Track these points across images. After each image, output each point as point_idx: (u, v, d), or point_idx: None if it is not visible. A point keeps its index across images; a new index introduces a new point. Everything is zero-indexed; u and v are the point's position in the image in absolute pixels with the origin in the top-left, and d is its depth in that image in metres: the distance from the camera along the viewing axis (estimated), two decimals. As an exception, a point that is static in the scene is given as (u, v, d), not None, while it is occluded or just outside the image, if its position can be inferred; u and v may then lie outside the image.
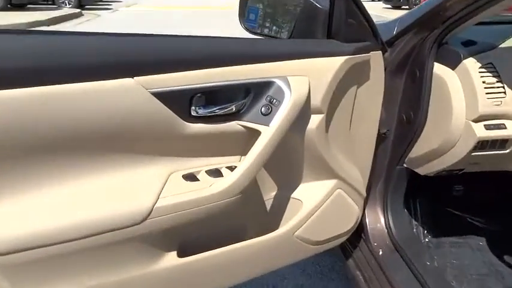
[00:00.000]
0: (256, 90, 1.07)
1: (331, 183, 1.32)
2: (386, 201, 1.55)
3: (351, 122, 1.32)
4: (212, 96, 1.02)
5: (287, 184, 1.30)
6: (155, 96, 0.93)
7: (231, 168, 1.10)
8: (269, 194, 1.30)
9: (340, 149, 1.31)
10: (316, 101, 1.14)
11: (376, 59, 1.27)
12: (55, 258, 0.90)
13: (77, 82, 0.85)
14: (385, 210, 1.57)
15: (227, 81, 1.02)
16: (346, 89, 1.24)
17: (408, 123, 1.41)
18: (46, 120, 0.83)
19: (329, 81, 1.14)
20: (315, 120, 1.17)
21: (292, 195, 1.30)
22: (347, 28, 1.21)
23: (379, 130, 1.43)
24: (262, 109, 1.06)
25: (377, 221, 1.58)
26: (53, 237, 0.87)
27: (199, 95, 1.00)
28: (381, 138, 1.46)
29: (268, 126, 1.05)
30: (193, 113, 1.01)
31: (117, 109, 0.90)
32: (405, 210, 1.63)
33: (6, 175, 0.85)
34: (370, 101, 1.33)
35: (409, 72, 1.37)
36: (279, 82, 1.07)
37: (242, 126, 1.08)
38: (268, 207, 1.30)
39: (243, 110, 1.07)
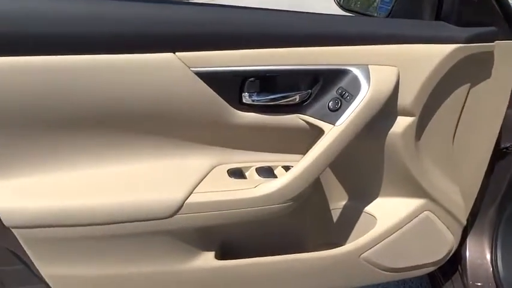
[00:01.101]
0: (325, 80, 0.87)
1: (417, 202, 1.06)
2: (496, 233, 1.22)
3: (456, 130, 1.03)
4: (269, 82, 0.85)
5: (359, 195, 1.08)
6: (199, 77, 0.80)
7: (287, 169, 0.93)
8: (335, 203, 1.09)
9: (437, 163, 1.04)
10: (406, 99, 0.89)
11: (504, 51, 0.95)
12: (81, 240, 0.85)
13: (105, 54, 0.76)
14: (493, 245, 1.23)
15: (290, 65, 0.84)
16: (453, 86, 0.95)
17: None
18: (79, 91, 0.77)
19: (428, 74, 0.87)
20: (402, 123, 0.92)
21: (365, 209, 1.08)
22: (464, 7, 0.91)
23: (498, 144, 1.10)
24: (330, 103, 0.86)
25: (481, 255, 1.26)
26: (81, 217, 0.82)
27: (252, 79, 0.84)
28: (499, 154, 1.13)
29: (333, 125, 0.85)
30: (244, 100, 0.86)
31: (155, 88, 0.79)
32: None
33: (41, 145, 0.81)
34: (489, 105, 1.02)
35: None
36: (356, 71, 0.86)
37: (304, 121, 0.90)
38: (332, 218, 1.10)
39: (307, 102, 0.89)
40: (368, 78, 0.85)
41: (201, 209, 0.84)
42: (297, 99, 0.88)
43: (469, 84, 0.97)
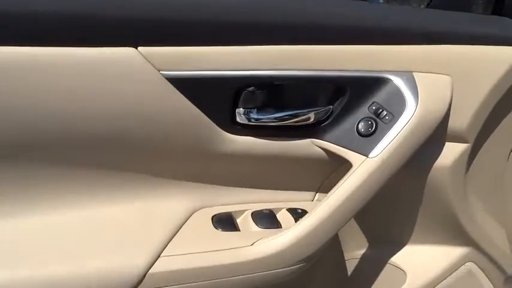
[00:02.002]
0: (353, 91, 0.61)
1: (459, 251, 0.82)
2: None
3: (508, 159, 0.79)
4: (273, 93, 0.60)
5: (383, 241, 0.83)
6: (173, 84, 0.54)
7: (295, 214, 0.67)
8: (352, 252, 0.84)
9: (483, 201, 0.80)
10: (459, 120, 0.64)
11: None
12: None
13: (36, 45, 0.48)
14: None
15: (303, 70, 0.59)
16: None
17: None
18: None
19: (491, 87, 0.63)
20: (452, 152, 0.68)
21: (391, 260, 0.83)
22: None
23: None
24: (361, 125, 0.61)
25: None
26: None
27: (251, 89, 0.58)
28: None
29: (366, 156, 0.59)
30: (239, 119, 0.59)
31: (107, 95, 0.52)
32: None
33: None
34: None
35: None
36: (397, 81, 0.61)
37: (321, 148, 0.64)
38: (347, 271, 0.84)
39: (326, 123, 0.63)
40: (415, 90, 0.60)
41: (171, 281, 0.57)
42: (312, 119, 0.62)
43: None
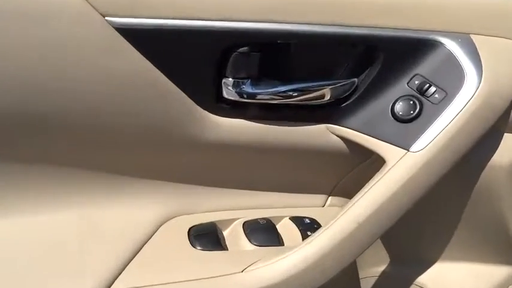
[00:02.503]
0: (388, 58, 0.44)
1: (504, 271, 0.65)
2: None
3: None
4: (275, 57, 0.42)
5: (408, 257, 0.67)
6: (126, 36, 0.36)
7: (302, 225, 0.50)
8: (368, 269, 0.67)
9: None
10: None
11: None
12: None
13: None
14: None
15: (319, 24, 0.41)
16: None
17: None
18: None
19: None
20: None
21: (418, 280, 0.66)
22: None
23: None
24: (398, 106, 0.43)
25: None
26: None
27: (243, 50, 0.40)
28: None
29: (407, 151, 0.42)
30: (226, 94, 0.42)
31: (44, 49, 0.35)
32: None
33: None
34: None
35: None
36: (451, 45, 0.43)
37: (340, 137, 0.47)
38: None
39: (348, 102, 0.45)
40: (476, 59, 0.42)
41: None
42: (328, 96, 0.44)
43: None
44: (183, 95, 0.40)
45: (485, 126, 0.43)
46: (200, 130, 0.43)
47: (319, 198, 0.55)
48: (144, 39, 0.36)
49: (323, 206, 0.55)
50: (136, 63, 0.37)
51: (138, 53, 0.36)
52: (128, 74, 0.38)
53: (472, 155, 0.48)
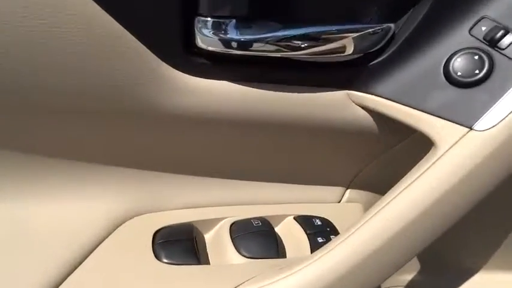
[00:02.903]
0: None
1: None
2: None
3: None
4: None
5: (442, 264, 0.54)
6: None
7: (311, 227, 0.37)
8: (393, 278, 0.54)
9: None
10: None
11: None
12: None
13: None
14: None
15: None
16: None
17: None
18: None
19: None
20: None
21: None
22: None
23: None
24: (457, 62, 0.29)
25: None
26: None
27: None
28: None
29: (470, 129, 0.28)
30: (201, 41, 0.28)
31: None
32: None
33: None
34: None
35: None
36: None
37: (366, 109, 0.33)
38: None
39: (381, 58, 0.31)
40: None
41: None
42: (350, 49, 0.30)
43: None
44: (138, 44, 0.27)
45: None
46: (166, 95, 0.30)
47: (333, 191, 0.42)
48: None
49: (339, 202, 0.42)
50: (83, 8, 0.24)
51: None
52: (54, 15, 0.25)
53: None
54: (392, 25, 0.31)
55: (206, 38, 0.28)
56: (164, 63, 0.29)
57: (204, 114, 0.31)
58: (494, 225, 0.49)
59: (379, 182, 0.42)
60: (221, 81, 0.30)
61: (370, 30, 0.30)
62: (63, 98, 0.29)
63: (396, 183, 0.33)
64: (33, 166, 0.32)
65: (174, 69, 0.29)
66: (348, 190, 0.42)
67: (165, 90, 0.29)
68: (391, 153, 0.39)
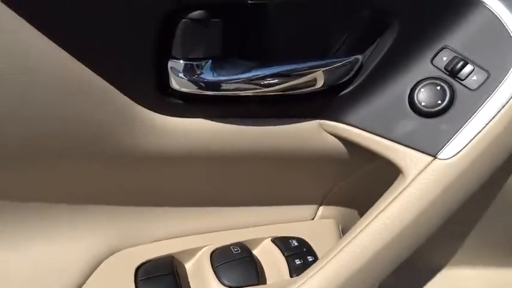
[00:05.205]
0: (405, 25, 0.31)
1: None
2: None
3: None
4: (243, 25, 0.28)
5: (415, 265, 0.56)
6: (15, 9, 0.22)
7: (288, 249, 0.38)
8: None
9: None
10: None
11: None
12: None
13: None
14: None
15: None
16: None
17: None
18: None
19: None
20: None
21: None
22: None
23: None
24: (420, 94, 0.31)
25: None
26: None
27: (196, 14, 0.26)
28: None
29: (434, 157, 0.30)
30: (175, 83, 0.28)
31: None
32: None
33: None
34: None
35: None
36: (497, 6, 0.30)
37: (338, 137, 0.34)
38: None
39: (349, 89, 0.33)
40: None
41: None
42: (321, 82, 0.31)
43: None
44: (112, 89, 0.27)
45: None
46: (142, 137, 0.29)
47: (307, 209, 0.43)
48: (43, 10, 0.23)
49: (313, 219, 0.44)
50: (36, 47, 0.23)
51: (38, 32, 0.23)
52: (26, 63, 0.24)
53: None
54: (359, 57, 0.32)
55: (180, 80, 0.28)
56: (139, 106, 0.28)
57: (181, 152, 0.31)
58: (456, 222, 0.52)
59: (350, 197, 0.44)
60: (196, 119, 0.30)
61: (339, 63, 0.31)
62: (39, 144, 0.28)
63: (366, 197, 0.35)
64: (10, 210, 0.31)
65: (150, 111, 0.29)
66: (321, 207, 0.43)
67: (142, 132, 0.29)
68: (360, 171, 0.40)
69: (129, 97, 0.28)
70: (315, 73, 0.31)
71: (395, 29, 0.31)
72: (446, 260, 0.56)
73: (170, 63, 0.28)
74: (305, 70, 0.30)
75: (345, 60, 0.32)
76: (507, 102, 0.29)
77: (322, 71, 0.31)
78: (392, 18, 0.31)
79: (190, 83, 0.28)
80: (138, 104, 0.28)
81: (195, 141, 0.31)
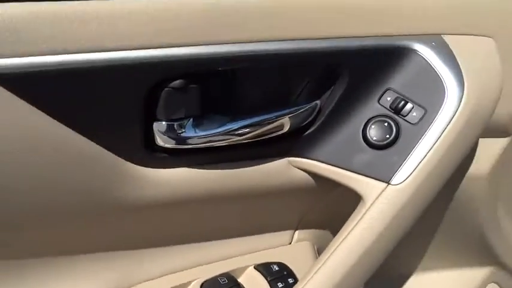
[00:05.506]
0: (354, 73, 0.36)
1: (481, 273, 0.63)
2: None
3: None
4: (217, 88, 0.33)
5: (382, 273, 0.61)
6: (8, 87, 0.25)
7: (270, 274, 0.42)
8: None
9: (507, 205, 0.60)
10: (505, 105, 0.42)
11: None
12: None
13: None
14: None
15: (269, 40, 0.32)
16: None
17: None
18: None
19: None
20: (490, 151, 0.46)
21: None
22: None
23: None
24: (371, 130, 0.36)
25: None
26: None
27: (176, 84, 0.30)
28: None
29: (387, 183, 0.35)
30: (160, 140, 0.32)
31: None
32: None
33: None
34: None
35: None
36: (424, 51, 0.36)
37: (305, 171, 0.39)
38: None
39: (311, 130, 0.38)
40: (453, 64, 0.36)
41: None
42: (287, 126, 0.36)
43: None
44: (103, 150, 0.30)
45: (473, 141, 0.37)
46: (132, 189, 0.33)
47: (284, 235, 0.47)
48: (34, 85, 0.26)
49: (290, 243, 0.48)
50: (28, 119, 0.26)
51: (30, 106, 0.26)
52: (21, 134, 0.27)
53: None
54: (318, 102, 0.37)
55: (164, 137, 0.32)
56: (129, 163, 0.32)
57: (168, 199, 0.35)
58: (423, 232, 0.58)
59: (322, 220, 0.49)
60: (180, 168, 0.34)
61: (301, 109, 0.36)
62: (38, 205, 0.31)
63: (337, 218, 0.39)
64: (11, 265, 0.33)
65: (139, 166, 0.32)
66: (297, 231, 0.48)
67: (132, 185, 0.33)
68: (328, 198, 0.45)
69: (119, 156, 0.31)
70: (281, 119, 0.36)
71: (346, 77, 0.36)
72: (415, 266, 0.61)
73: (155, 125, 0.32)
74: (273, 118, 0.35)
75: (306, 106, 0.36)
76: (442, 132, 0.35)
77: (288, 117, 0.36)
78: (343, 69, 0.36)
79: (173, 140, 0.32)
80: (128, 161, 0.32)
81: (180, 189, 0.35)
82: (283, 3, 0.32)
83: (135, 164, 0.32)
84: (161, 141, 0.32)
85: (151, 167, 0.33)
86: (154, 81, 0.29)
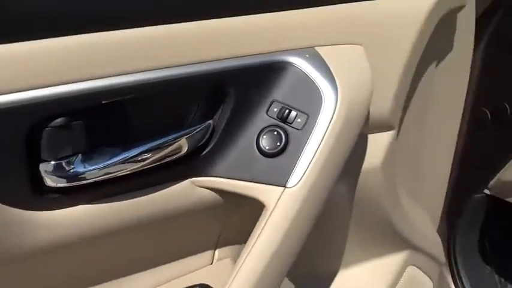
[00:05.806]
0: (239, 90, 0.39)
1: (398, 259, 0.67)
2: (454, 257, 0.91)
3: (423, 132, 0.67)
4: (105, 120, 0.33)
5: (305, 276, 0.64)
6: None
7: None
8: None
9: (409, 192, 0.66)
10: (380, 103, 0.47)
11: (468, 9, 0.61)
12: None
13: None
14: (454, 271, 0.93)
15: (150, 70, 0.33)
16: (423, 70, 0.58)
17: (506, 122, 0.77)
18: None
19: (410, 48, 0.47)
20: (379, 146, 0.51)
21: None
22: None
23: None
24: (263, 140, 0.38)
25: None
26: None
27: (58, 122, 0.30)
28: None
29: (284, 187, 0.37)
30: (51, 181, 0.31)
31: None
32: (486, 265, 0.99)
33: None
34: (452, 88, 0.68)
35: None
36: (300, 63, 0.40)
37: (209, 189, 0.40)
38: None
39: (208, 148, 0.39)
40: (326, 72, 0.40)
41: None
42: (185, 148, 0.37)
43: (435, 62, 0.61)
44: None
45: (354, 137, 0.41)
46: (23, 235, 0.32)
47: (205, 256, 0.48)
48: None
49: (211, 263, 0.48)
50: None
51: None
52: None
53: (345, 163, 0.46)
54: (210, 121, 0.39)
55: (53, 178, 0.31)
56: (16, 209, 0.31)
57: (68, 239, 0.34)
58: (334, 230, 0.61)
59: (239, 234, 0.50)
60: (78, 206, 0.34)
61: (196, 130, 0.37)
62: None
63: (252, 230, 0.41)
64: None
65: (29, 211, 0.31)
66: (217, 250, 0.48)
67: (22, 231, 0.31)
68: (239, 212, 0.46)
69: (4, 203, 0.30)
70: (178, 141, 0.36)
71: (233, 95, 0.38)
72: (339, 263, 0.64)
73: (42, 166, 0.31)
74: (170, 141, 0.36)
75: (200, 126, 0.38)
76: (325, 133, 0.38)
77: (184, 138, 0.37)
78: (229, 88, 0.38)
79: (63, 178, 0.32)
80: (15, 207, 0.31)
81: (79, 227, 0.34)
82: (162, 33, 0.34)
83: (24, 209, 0.31)
84: (51, 181, 0.31)
85: (43, 210, 0.32)
86: (31, 123, 0.29)
